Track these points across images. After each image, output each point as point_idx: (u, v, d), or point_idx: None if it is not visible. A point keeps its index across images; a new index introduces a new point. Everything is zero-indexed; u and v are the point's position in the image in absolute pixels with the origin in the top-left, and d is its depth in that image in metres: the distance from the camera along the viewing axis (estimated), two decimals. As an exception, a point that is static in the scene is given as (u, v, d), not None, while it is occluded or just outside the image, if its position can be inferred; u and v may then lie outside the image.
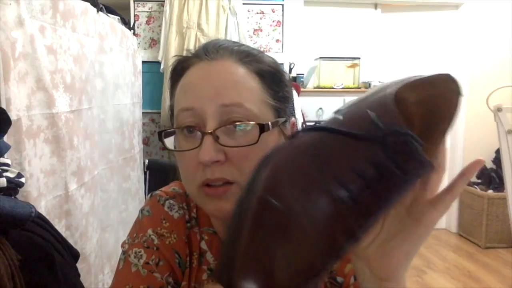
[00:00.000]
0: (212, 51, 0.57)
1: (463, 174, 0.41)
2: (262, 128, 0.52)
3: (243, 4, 2.95)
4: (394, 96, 0.37)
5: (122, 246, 0.63)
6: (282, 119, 0.57)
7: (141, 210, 0.66)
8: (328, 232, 0.33)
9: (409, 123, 0.38)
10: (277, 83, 0.58)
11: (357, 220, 0.34)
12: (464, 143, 3.49)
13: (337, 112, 0.39)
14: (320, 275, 0.34)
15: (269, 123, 0.53)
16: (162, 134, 0.57)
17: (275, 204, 0.33)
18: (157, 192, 0.67)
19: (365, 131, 0.35)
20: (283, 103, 0.58)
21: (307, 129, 0.39)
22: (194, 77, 0.56)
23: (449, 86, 0.39)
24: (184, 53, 0.61)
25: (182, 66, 0.59)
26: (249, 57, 0.57)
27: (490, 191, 3.20)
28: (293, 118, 0.61)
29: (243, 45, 0.60)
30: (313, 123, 2.84)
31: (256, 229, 0.33)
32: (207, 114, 0.52)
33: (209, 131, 0.51)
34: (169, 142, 0.58)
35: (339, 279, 0.60)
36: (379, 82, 3.02)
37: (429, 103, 0.40)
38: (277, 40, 3.09)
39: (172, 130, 0.57)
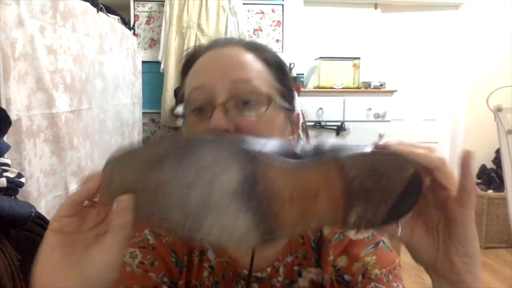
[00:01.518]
0: (221, 41, 0.60)
1: (462, 170, 0.41)
2: (270, 100, 0.54)
3: (243, 4, 2.95)
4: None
5: None
6: (287, 105, 0.59)
7: None
8: None
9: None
10: (281, 73, 0.60)
11: None
12: (464, 143, 3.49)
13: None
14: None
15: (277, 98, 0.56)
16: (175, 114, 0.59)
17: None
18: None
19: None
20: (287, 90, 0.60)
21: None
22: (205, 60, 0.58)
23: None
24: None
25: (192, 57, 0.61)
26: (256, 46, 0.60)
27: (490, 191, 3.20)
28: (297, 110, 0.62)
29: (250, 40, 0.64)
30: (313, 123, 2.85)
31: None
32: (217, 90, 0.53)
33: (219, 104, 0.53)
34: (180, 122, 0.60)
35: (347, 277, 0.60)
36: (379, 82, 3.02)
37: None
38: (277, 40, 3.09)
39: (183, 113, 0.58)
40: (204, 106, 0.55)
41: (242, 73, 0.55)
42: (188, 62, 0.61)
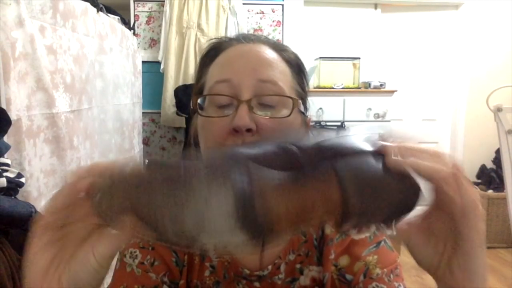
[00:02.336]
0: (248, 37, 0.60)
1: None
2: (294, 104, 0.54)
3: (243, 4, 2.95)
4: None
5: None
6: (303, 109, 0.59)
7: None
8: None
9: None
10: (300, 74, 0.61)
11: None
12: (464, 143, 3.49)
13: None
14: None
15: (299, 101, 0.56)
16: (196, 103, 0.57)
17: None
18: None
19: None
20: (305, 93, 0.60)
21: None
22: (233, 53, 0.58)
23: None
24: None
25: (217, 48, 0.60)
26: (280, 47, 0.60)
27: (490, 191, 3.20)
28: (309, 115, 0.63)
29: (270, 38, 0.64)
30: (313, 123, 2.85)
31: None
32: (244, 86, 0.53)
33: (245, 100, 0.52)
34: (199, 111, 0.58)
35: (349, 277, 0.60)
36: (379, 82, 3.02)
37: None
38: (277, 40, 3.09)
39: (201, 104, 0.57)
40: (227, 101, 0.54)
41: (269, 73, 0.55)
42: (211, 52, 0.60)
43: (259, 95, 0.53)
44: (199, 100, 0.57)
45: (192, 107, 0.58)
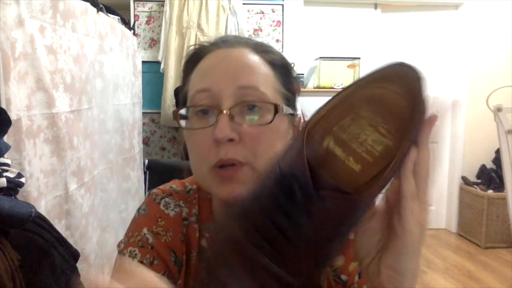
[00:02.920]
0: (228, 40, 0.59)
1: (402, 171, 0.37)
2: (276, 109, 0.54)
3: (243, 4, 2.95)
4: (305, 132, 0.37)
5: (118, 245, 0.64)
6: (291, 110, 0.58)
7: (138, 209, 0.66)
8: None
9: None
10: (286, 74, 0.60)
11: (281, 266, 0.35)
12: (464, 143, 3.49)
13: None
14: None
15: (282, 105, 0.55)
16: (178, 115, 0.57)
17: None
18: (154, 190, 0.68)
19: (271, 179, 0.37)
20: (292, 94, 0.60)
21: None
22: (212, 61, 0.57)
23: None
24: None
25: (198, 54, 0.60)
26: (262, 48, 0.59)
27: (490, 191, 3.20)
28: (299, 113, 0.62)
29: (256, 40, 0.63)
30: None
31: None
32: (224, 95, 0.53)
33: (225, 110, 0.52)
34: (182, 124, 0.58)
35: (344, 277, 0.60)
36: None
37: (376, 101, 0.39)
38: (277, 40, 3.09)
39: (185, 114, 0.57)
40: (209, 109, 0.54)
41: (249, 79, 0.54)
42: (193, 59, 0.60)
43: (240, 103, 0.53)
44: (182, 111, 0.57)
45: (174, 119, 0.57)
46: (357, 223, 0.38)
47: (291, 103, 0.59)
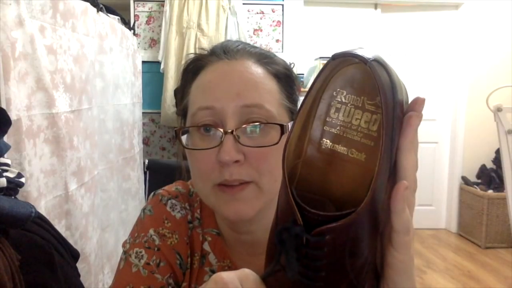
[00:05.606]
0: (230, 50, 0.57)
1: (392, 204, 0.34)
2: (282, 129, 0.52)
3: (243, 4, 2.95)
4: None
5: (123, 245, 0.63)
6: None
7: (143, 209, 0.65)
8: None
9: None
10: (290, 85, 0.59)
11: None
12: (464, 143, 3.49)
13: None
14: None
15: (288, 124, 0.54)
16: (180, 132, 0.56)
17: None
18: (160, 191, 0.67)
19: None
20: (295, 105, 0.59)
21: None
22: (214, 76, 0.55)
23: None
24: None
25: (198, 64, 0.58)
26: (266, 59, 0.57)
27: (490, 191, 3.20)
28: None
29: (257, 47, 0.61)
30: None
31: None
32: (228, 114, 0.52)
33: (230, 130, 0.51)
34: (183, 140, 0.57)
35: None
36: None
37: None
38: (277, 40, 3.09)
39: (186, 128, 0.56)
40: (212, 127, 0.53)
41: (254, 96, 0.52)
42: (193, 69, 0.58)
43: (244, 121, 0.52)
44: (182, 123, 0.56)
45: (175, 137, 0.56)
46: (371, 241, 0.35)
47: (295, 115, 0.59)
